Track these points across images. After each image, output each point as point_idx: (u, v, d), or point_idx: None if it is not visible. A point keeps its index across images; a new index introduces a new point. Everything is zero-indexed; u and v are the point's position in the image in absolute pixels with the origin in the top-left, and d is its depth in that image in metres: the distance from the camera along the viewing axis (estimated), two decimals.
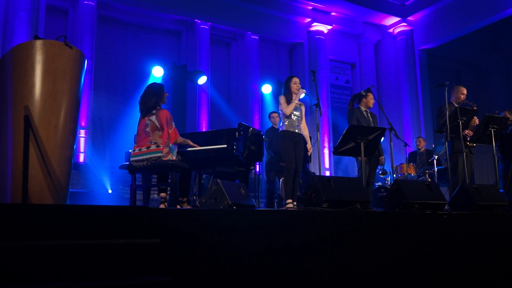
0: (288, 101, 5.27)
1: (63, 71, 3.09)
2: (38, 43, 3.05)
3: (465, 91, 5.98)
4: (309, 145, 5.50)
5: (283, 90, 5.41)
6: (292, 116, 5.27)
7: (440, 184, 6.92)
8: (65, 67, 3.10)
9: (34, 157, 2.93)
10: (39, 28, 8.34)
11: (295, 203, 5.14)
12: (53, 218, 2.47)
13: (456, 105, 5.77)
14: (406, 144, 7.31)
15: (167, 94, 4.55)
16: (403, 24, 11.97)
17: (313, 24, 11.48)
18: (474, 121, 5.79)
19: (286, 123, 5.26)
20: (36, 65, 3.01)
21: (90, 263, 2.34)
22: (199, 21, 10.34)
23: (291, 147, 5.16)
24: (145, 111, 4.39)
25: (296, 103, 5.29)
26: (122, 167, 5.14)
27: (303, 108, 5.43)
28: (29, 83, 2.99)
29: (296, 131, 5.25)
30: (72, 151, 3.21)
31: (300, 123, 5.34)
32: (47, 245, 2.30)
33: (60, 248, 2.32)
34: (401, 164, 7.89)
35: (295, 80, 5.42)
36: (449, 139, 5.58)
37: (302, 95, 5.41)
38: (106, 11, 9.62)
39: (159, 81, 8.91)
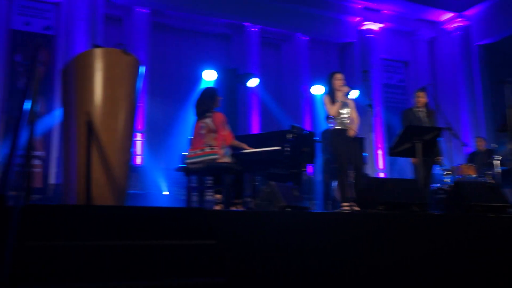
0: (332, 100, 4.98)
1: (121, 77, 3.21)
2: (98, 52, 3.19)
3: None
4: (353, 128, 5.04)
5: (326, 89, 5.14)
6: (341, 115, 4.97)
7: (504, 186, 6.58)
8: (123, 74, 3.22)
9: (96, 160, 3.06)
10: (97, 36, 8.69)
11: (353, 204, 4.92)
12: (114, 219, 2.56)
13: None
14: (464, 144, 7.02)
15: (221, 98, 4.63)
16: (459, 19, 11.50)
17: (364, 23, 11.27)
18: None
19: (335, 121, 4.99)
20: (97, 72, 3.15)
21: (148, 263, 2.41)
22: (249, 24, 10.42)
23: (343, 147, 4.88)
24: (200, 114, 4.49)
25: (342, 101, 4.97)
26: (178, 169, 5.25)
27: (351, 102, 5.07)
28: (90, 89, 3.13)
29: (347, 128, 4.95)
30: (130, 154, 3.33)
31: (351, 120, 4.99)
32: (109, 245, 2.39)
33: (120, 248, 2.40)
34: (460, 165, 7.58)
35: (338, 76, 5.09)
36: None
37: (345, 91, 5.03)
38: (159, 18, 9.90)
39: (210, 85, 9.07)
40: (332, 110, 4.93)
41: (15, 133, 1.96)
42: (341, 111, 4.95)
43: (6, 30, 8.17)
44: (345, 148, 4.89)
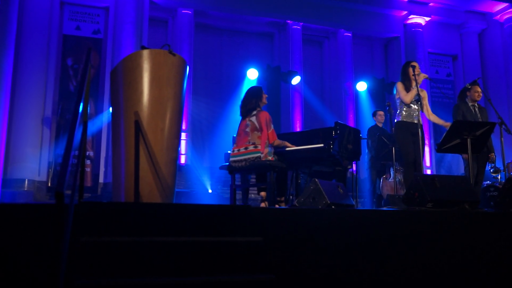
0: (407, 88, 4.86)
1: (168, 77, 3.28)
2: (145, 53, 3.27)
3: None
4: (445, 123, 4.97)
5: (400, 77, 5.01)
6: (411, 105, 4.86)
7: None
8: (170, 74, 3.29)
9: (143, 159, 3.14)
10: (143, 38, 8.93)
11: None
12: (162, 216, 2.62)
13: None
14: None
15: (267, 96, 4.66)
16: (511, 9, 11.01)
17: (410, 17, 10.99)
18: None
19: (403, 113, 4.88)
20: (144, 73, 3.23)
21: (197, 259, 2.45)
22: (291, 22, 10.39)
23: (409, 139, 4.78)
24: (246, 113, 4.53)
25: (417, 90, 4.84)
26: (222, 167, 5.33)
27: (424, 95, 4.99)
28: (138, 90, 3.22)
29: (415, 121, 4.84)
30: (177, 153, 3.39)
31: (418, 112, 4.88)
32: (157, 241, 2.45)
33: (168, 244, 2.46)
34: None
35: (414, 64, 4.97)
36: None
37: (421, 80, 4.94)
38: (202, 19, 10.05)
39: (254, 83, 9.14)
40: (408, 97, 4.82)
41: (69, 134, 2.04)
42: (410, 104, 4.86)
43: (58, 35, 8.54)
44: (411, 139, 4.80)
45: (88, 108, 3.25)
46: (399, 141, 4.88)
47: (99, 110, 8.42)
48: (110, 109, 3.53)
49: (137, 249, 2.38)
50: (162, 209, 2.71)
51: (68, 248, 2.03)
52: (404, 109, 4.88)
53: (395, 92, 5.00)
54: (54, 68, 8.42)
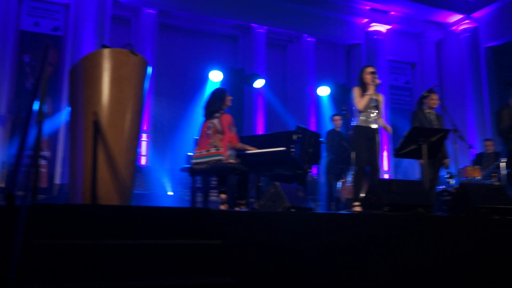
0: (363, 93, 4.87)
1: (129, 77, 3.23)
2: (106, 52, 3.21)
3: None
4: (387, 127, 5.04)
5: (358, 81, 5.02)
6: (367, 110, 4.87)
7: (509, 189, 6.56)
8: (131, 74, 3.25)
9: (102, 160, 3.08)
10: (105, 37, 8.75)
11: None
12: (120, 218, 2.58)
13: None
14: (470, 146, 7.00)
15: (231, 98, 4.66)
16: (467, 21, 11.46)
17: (371, 25, 11.26)
18: None
19: (360, 117, 4.88)
20: (104, 72, 3.17)
21: (154, 263, 2.43)
22: (256, 25, 10.44)
23: (364, 144, 4.78)
24: (209, 115, 4.52)
25: (371, 95, 4.86)
26: (183, 169, 5.28)
27: (380, 99, 5.00)
28: (98, 89, 3.15)
29: (371, 126, 4.87)
30: (136, 154, 3.35)
31: (376, 117, 4.91)
32: (114, 244, 2.41)
33: (126, 247, 2.42)
34: (465, 167, 7.55)
35: (369, 69, 4.97)
36: None
37: (375, 86, 4.92)
38: (166, 19, 9.95)
39: (217, 85, 9.10)
40: (361, 103, 4.83)
41: (23, 133, 1.98)
42: (370, 104, 4.86)
43: (15, 31, 8.25)
44: (366, 146, 4.80)
45: (45, 106, 3.15)
46: (354, 145, 4.89)
47: (56, 109, 8.18)
48: (68, 108, 3.45)
49: (93, 253, 2.33)
50: (120, 211, 2.66)
51: (20, 251, 1.97)
52: (362, 113, 4.89)
53: (351, 97, 5.01)
54: (10, 65, 8.13)
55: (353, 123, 4.95)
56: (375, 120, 4.89)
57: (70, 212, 2.49)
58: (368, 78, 4.90)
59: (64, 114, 8.02)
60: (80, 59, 3.28)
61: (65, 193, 7.36)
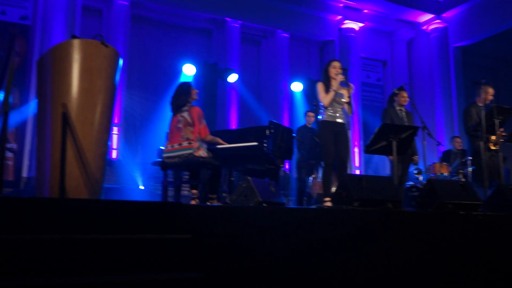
0: (327, 88, 4.75)
1: (99, 69, 3.17)
2: (76, 42, 3.14)
3: (492, 92, 5.78)
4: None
5: (322, 76, 4.89)
6: (334, 105, 4.76)
7: (475, 185, 6.75)
8: (101, 66, 3.19)
9: (71, 153, 3.02)
10: (75, 27, 8.56)
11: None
12: (89, 212, 2.53)
13: (480, 105, 5.67)
14: (439, 143, 7.16)
15: (197, 91, 4.64)
16: (437, 21, 11.71)
17: (344, 22, 11.37)
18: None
19: (326, 112, 4.77)
20: (74, 63, 3.10)
21: (124, 258, 2.40)
22: (230, 20, 10.40)
23: (330, 139, 4.69)
24: (176, 109, 4.51)
25: (336, 91, 4.75)
26: (154, 163, 5.24)
27: (346, 92, 4.80)
28: (67, 81, 3.08)
29: (338, 120, 4.76)
30: (106, 147, 3.29)
31: (343, 111, 4.79)
32: (82, 239, 2.37)
33: (94, 242, 2.38)
34: (433, 163, 7.73)
35: (335, 64, 4.86)
36: (485, 139, 5.43)
37: (339, 81, 4.77)
38: (139, 11, 9.80)
39: (190, 79, 9.06)
40: (325, 99, 4.73)
41: None
42: (336, 99, 4.76)
43: None
44: (333, 140, 4.73)
45: (12, 97, 3.07)
46: (321, 140, 4.80)
47: (24, 101, 7.96)
48: (36, 99, 3.36)
49: (61, 248, 2.28)
50: (89, 205, 2.61)
51: None
52: (328, 109, 4.78)
53: (316, 92, 4.89)
54: None
55: (320, 118, 4.85)
56: (340, 115, 4.79)
57: (37, 206, 2.43)
58: (332, 72, 4.81)
59: (31, 106, 7.82)
60: (48, 50, 3.20)
61: (32, 187, 7.19)
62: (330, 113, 4.77)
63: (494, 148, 5.52)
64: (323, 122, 4.78)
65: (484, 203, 4.53)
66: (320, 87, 4.79)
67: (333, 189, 4.64)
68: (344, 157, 4.75)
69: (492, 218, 4.00)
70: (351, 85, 4.82)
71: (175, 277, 2.36)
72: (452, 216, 3.87)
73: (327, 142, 4.70)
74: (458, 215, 3.89)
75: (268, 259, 3.02)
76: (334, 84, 4.76)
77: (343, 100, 4.80)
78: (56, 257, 2.25)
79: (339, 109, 4.81)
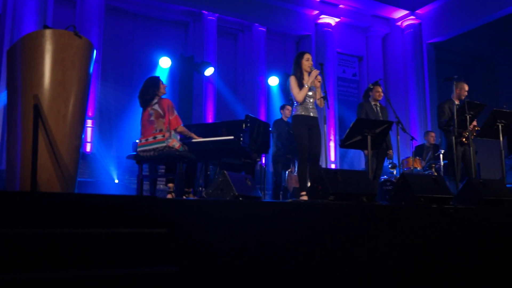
0: (300, 82, 4.67)
1: (73, 60, 3.11)
2: (48, 33, 3.07)
3: (467, 88, 5.92)
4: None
5: (293, 69, 4.79)
6: (306, 99, 4.70)
7: (447, 179, 6.90)
8: (75, 57, 3.12)
9: (43, 146, 2.96)
10: (48, 17, 8.36)
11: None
12: (62, 206, 2.49)
13: (456, 101, 5.80)
14: (412, 138, 7.28)
15: (166, 85, 4.60)
16: (412, 17, 11.89)
17: (321, 17, 11.43)
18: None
19: (299, 107, 4.72)
20: (46, 54, 3.03)
21: (97, 252, 2.37)
22: (207, 13, 10.33)
23: (304, 133, 4.67)
24: (144, 103, 4.48)
25: (309, 86, 4.68)
26: (129, 157, 5.18)
27: (318, 84, 4.76)
28: (39, 72, 3.01)
29: (311, 114, 4.73)
30: (80, 140, 3.24)
31: (315, 104, 4.75)
32: (55, 233, 2.32)
33: (67, 236, 2.34)
34: (407, 158, 7.87)
35: (308, 56, 4.81)
36: (456, 134, 5.55)
37: (314, 75, 4.70)
38: (114, 2, 9.63)
39: (166, 72, 8.97)
40: (299, 96, 4.66)
41: None
42: (308, 93, 4.70)
43: None
44: (307, 133, 4.70)
45: None
46: (295, 134, 4.76)
47: None
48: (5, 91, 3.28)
49: (33, 242, 2.24)
50: (62, 199, 2.57)
51: None
52: (300, 103, 4.73)
53: (288, 86, 4.79)
54: None
55: (293, 112, 4.82)
56: (314, 108, 4.77)
57: (8, 200, 2.38)
58: (305, 64, 4.76)
59: (1, 97, 7.61)
60: (19, 39, 3.12)
61: (3, 180, 7.01)
62: (303, 108, 4.74)
63: (466, 142, 5.65)
64: (296, 116, 4.74)
65: (455, 197, 4.63)
66: (293, 82, 4.71)
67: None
68: (317, 151, 4.74)
69: (463, 211, 4.09)
70: (316, 70, 4.74)
71: (150, 271, 2.34)
72: (424, 209, 3.95)
73: (302, 136, 4.68)
74: (430, 208, 3.97)
75: (243, 253, 3.03)
76: (307, 78, 4.72)
77: (315, 93, 4.78)
78: (28, 252, 2.20)
79: (312, 104, 4.78)
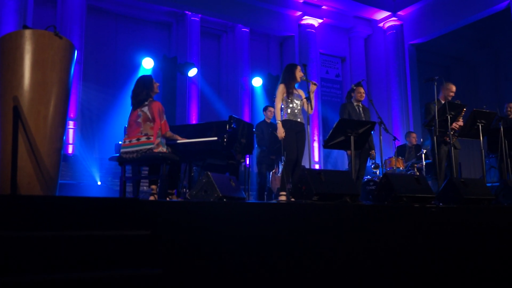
0: (287, 92, 4.93)
1: (53, 61, 3.07)
2: (27, 33, 3.02)
3: (454, 89, 6.00)
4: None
5: (286, 78, 5.04)
6: (294, 105, 4.95)
7: (428, 178, 6.99)
8: (55, 58, 3.08)
9: (23, 148, 2.92)
10: (27, 17, 8.24)
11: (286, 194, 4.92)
12: (42, 209, 2.45)
13: (442, 102, 5.88)
14: (395, 138, 7.35)
15: (158, 84, 4.55)
16: (393, 18, 12.02)
17: (304, 18, 11.47)
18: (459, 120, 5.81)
19: (288, 111, 4.96)
20: (26, 55, 2.99)
21: (79, 255, 2.34)
22: (190, 13, 10.29)
23: (293, 137, 4.89)
24: (137, 104, 4.39)
25: (295, 93, 4.99)
26: (112, 159, 5.13)
27: (303, 93, 5.08)
28: (18, 73, 2.97)
29: (299, 120, 4.97)
30: (61, 142, 3.19)
31: (302, 110, 5.02)
32: (36, 236, 2.29)
33: (49, 240, 2.31)
34: (389, 158, 7.94)
35: (299, 68, 5.09)
36: (437, 134, 5.62)
37: (313, 87, 5.01)
38: (95, 2, 9.53)
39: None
40: (277, 107, 4.94)
41: None
42: (295, 100, 4.96)
43: None
44: (295, 137, 4.91)
45: None
46: (284, 138, 4.91)
47: None
48: None
49: (13, 246, 2.20)
50: (43, 202, 2.53)
51: None
52: (288, 108, 4.96)
53: (275, 91, 5.03)
54: None
55: (282, 117, 4.98)
56: (300, 114, 4.99)
57: None
58: (298, 75, 5.01)
59: None
60: None
61: None
62: (291, 113, 4.96)
63: (447, 140, 5.71)
64: (285, 121, 4.95)
65: (437, 196, 4.69)
66: (280, 90, 4.95)
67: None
68: (300, 155, 4.96)
69: (444, 210, 4.15)
70: (315, 82, 5.04)
71: (134, 274, 2.32)
72: (407, 208, 3.99)
73: (290, 140, 4.88)
74: (412, 208, 4.02)
75: (228, 254, 3.02)
76: (295, 90, 4.99)
77: (303, 101, 5.01)
78: (8, 256, 2.16)
79: (300, 110, 5.02)
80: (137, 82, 4.49)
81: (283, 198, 4.78)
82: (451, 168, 5.75)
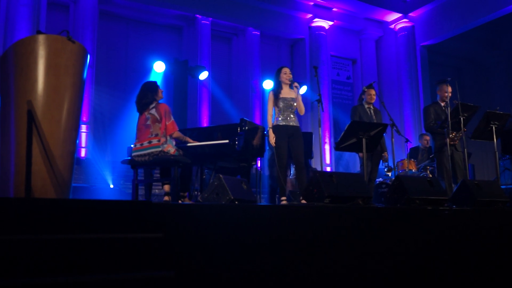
0: (276, 98, 4.97)
1: (66, 65, 3.10)
2: (41, 38, 3.05)
3: (449, 89, 5.93)
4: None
5: (274, 83, 5.14)
6: (285, 110, 4.96)
7: (441, 180, 6.93)
8: (68, 62, 3.11)
9: (37, 152, 2.94)
10: (41, 23, 8.34)
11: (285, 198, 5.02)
12: (56, 212, 2.48)
13: (441, 103, 5.83)
14: (407, 140, 7.30)
15: (162, 90, 4.61)
16: (405, 20, 11.95)
17: (314, 20, 11.46)
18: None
19: (279, 117, 4.97)
20: (39, 59, 3.02)
21: (93, 257, 2.35)
22: (200, 17, 10.34)
23: (283, 143, 4.90)
24: (142, 108, 4.46)
25: (286, 96, 5.00)
26: (124, 162, 5.16)
27: (297, 96, 5.02)
28: (32, 78, 3.00)
29: (291, 123, 4.96)
30: (75, 145, 3.22)
31: (295, 113, 5.01)
32: (50, 239, 2.31)
33: (63, 242, 2.33)
34: (402, 160, 7.89)
35: (285, 70, 5.09)
36: (449, 135, 5.56)
37: (295, 87, 5.00)
38: (107, 6, 9.62)
39: (160, 76, 8.96)
40: (269, 111, 4.99)
41: None
42: (286, 103, 4.97)
43: None
44: (286, 142, 4.93)
45: None
46: (275, 144, 4.95)
47: None
48: None
49: (28, 248, 2.22)
50: (57, 205, 2.55)
51: None
52: (281, 112, 4.98)
53: (266, 100, 5.12)
54: None
55: (274, 123, 5.00)
56: (292, 117, 4.99)
57: (2, 206, 2.36)
58: (284, 77, 5.03)
59: None
60: (11, 45, 3.10)
61: None
62: (282, 118, 4.97)
63: (452, 144, 5.64)
64: (275, 126, 4.97)
65: (450, 198, 4.65)
66: (269, 97, 5.01)
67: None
68: (300, 159, 4.96)
69: (458, 212, 4.11)
70: (296, 83, 5.03)
71: (146, 277, 2.33)
72: (420, 211, 3.96)
73: (280, 145, 4.90)
74: (425, 210, 3.98)
75: (240, 257, 3.02)
76: (287, 90, 5.01)
77: (294, 104, 5.01)
78: (22, 258, 2.19)
79: (292, 113, 5.01)
80: (141, 87, 4.58)
81: (284, 203, 4.84)
82: (457, 170, 5.70)
